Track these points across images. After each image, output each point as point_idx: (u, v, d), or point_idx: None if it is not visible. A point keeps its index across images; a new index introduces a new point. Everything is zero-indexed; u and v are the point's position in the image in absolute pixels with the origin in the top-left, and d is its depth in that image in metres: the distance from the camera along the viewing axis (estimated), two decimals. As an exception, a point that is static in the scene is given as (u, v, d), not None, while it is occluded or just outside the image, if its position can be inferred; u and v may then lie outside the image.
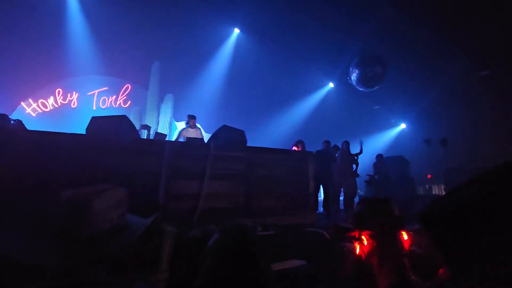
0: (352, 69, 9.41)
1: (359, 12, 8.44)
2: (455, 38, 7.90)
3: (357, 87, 9.53)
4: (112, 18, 8.17)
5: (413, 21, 7.98)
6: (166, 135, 5.70)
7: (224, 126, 4.26)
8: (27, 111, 7.81)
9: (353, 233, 1.04)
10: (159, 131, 7.37)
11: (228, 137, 4.13)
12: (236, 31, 10.09)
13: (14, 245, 0.93)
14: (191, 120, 5.36)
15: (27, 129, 4.07)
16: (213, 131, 4.28)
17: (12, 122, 4.15)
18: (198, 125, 5.77)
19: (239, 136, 4.24)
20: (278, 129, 10.42)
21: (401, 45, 8.79)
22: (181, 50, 9.06)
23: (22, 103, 7.74)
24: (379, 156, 7.15)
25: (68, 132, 3.25)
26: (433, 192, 8.52)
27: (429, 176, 8.95)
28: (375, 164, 7.03)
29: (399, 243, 0.99)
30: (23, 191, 2.54)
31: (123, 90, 8.85)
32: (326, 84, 11.63)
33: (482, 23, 7.09)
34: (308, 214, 4.42)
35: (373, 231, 1.02)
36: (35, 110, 7.89)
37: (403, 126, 11.65)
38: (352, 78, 9.26)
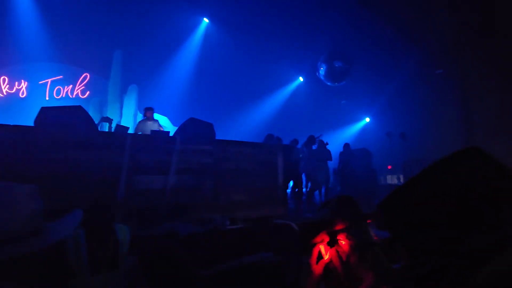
0: (320, 64, 9.63)
1: (327, 9, 8.60)
2: (412, 36, 8.41)
3: (325, 81, 9.78)
4: (66, 0, 7.46)
5: (376, 18, 8.33)
6: (128, 127, 5.40)
7: (191, 118, 4.11)
8: (-35, 101, 6.93)
9: (324, 236, 1.00)
10: (122, 123, 6.94)
11: (195, 130, 4.01)
12: (205, 20, 9.77)
13: None
14: (147, 112, 5.26)
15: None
16: (180, 123, 4.13)
17: None
18: (165, 117, 5.59)
19: (207, 129, 4.13)
20: (248, 122, 10.38)
21: (366, 42, 9.15)
22: (146, 39, 8.57)
23: (-42, 92, 6.83)
24: (345, 146, 7.41)
25: (13, 124, 2.91)
26: (389, 182, 9.10)
27: (389, 167, 9.54)
28: (341, 154, 7.27)
29: (370, 233, 0.99)
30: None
31: (80, 79, 8.16)
32: (296, 78, 11.78)
33: (436, 23, 7.61)
34: (278, 207, 4.47)
35: (346, 225, 0.98)
36: (-25, 100, 7.02)
37: (367, 120, 12.23)
38: (320, 73, 9.48)
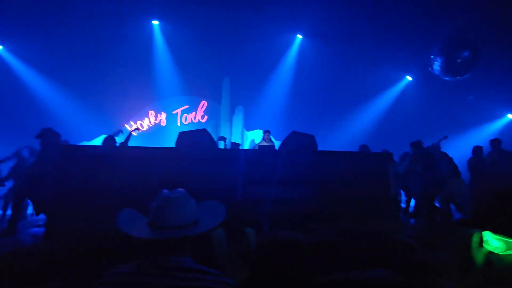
0: (434, 57, 8.34)
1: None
2: None
3: (442, 77, 8.37)
4: (187, 43, 9.32)
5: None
6: (240, 144, 6.15)
7: (294, 132, 4.33)
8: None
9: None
10: (233, 141, 7.93)
11: (298, 143, 4.20)
12: (299, 37, 10.16)
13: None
14: (265, 134, 5.89)
15: (131, 146, 4.97)
16: (283, 138, 4.40)
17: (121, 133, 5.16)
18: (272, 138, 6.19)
19: (309, 141, 4.26)
20: (351, 131, 9.92)
21: (500, 19, 7.35)
22: (248, 63, 9.62)
23: (125, 125, 9.44)
24: (476, 150, 5.88)
25: (162, 147, 3.85)
26: None
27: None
28: (469, 161, 5.83)
29: None
30: (131, 194, 3.12)
31: (200, 106, 9.88)
32: (403, 77, 10.56)
33: None
34: (390, 221, 4.09)
35: None
36: (136, 130, 9.50)
37: (510, 116, 9.61)
38: (435, 67, 8.20)
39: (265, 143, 5.84)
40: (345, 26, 8.81)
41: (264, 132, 6.22)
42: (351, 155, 4.45)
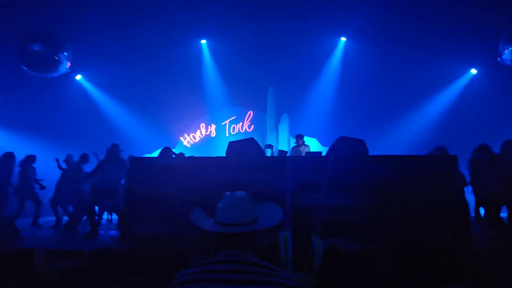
0: (503, 46, 7.37)
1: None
2: None
3: (516, 67, 7.32)
4: (233, 57, 9.82)
5: None
6: (287, 151, 6.19)
7: (342, 137, 4.23)
8: (184, 143, 10.25)
9: None
10: (279, 148, 7.99)
11: (347, 148, 4.07)
12: (343, 39, 9.91)
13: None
14: (298, 139, 5.81)
15: (187, 156, 5.38)
16: (331, 143, 4.32)
17: (173, 155, 5.61)
18: (314, 139, 6.10)
19: (358, 146, 4.11)
20: (407, 134, 9.21)
21: None
22: (292, 71, 9.70)
23: (180, 137, 10.24)
24: None
25: (213, 156, 4.12)
26: None
27: None
28: None
29: None
30: (188, 198, 3.38)
31: (246, 116, 10.23)
32: (466, 71, 9.48)
33: None
34: (459, 231, 3.68)
35: None
36: (189, 142, 10.25)
37: None
38: (505, 57, 7.22)
39: (299, 148, 5.84)
40: (394, 20, 8.30)
41: (296, 137, 6.19)
42: (407, 160, 4.16)
